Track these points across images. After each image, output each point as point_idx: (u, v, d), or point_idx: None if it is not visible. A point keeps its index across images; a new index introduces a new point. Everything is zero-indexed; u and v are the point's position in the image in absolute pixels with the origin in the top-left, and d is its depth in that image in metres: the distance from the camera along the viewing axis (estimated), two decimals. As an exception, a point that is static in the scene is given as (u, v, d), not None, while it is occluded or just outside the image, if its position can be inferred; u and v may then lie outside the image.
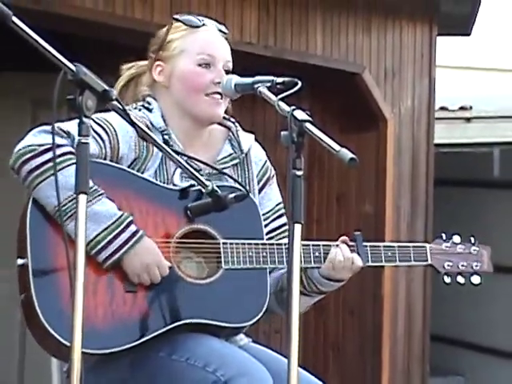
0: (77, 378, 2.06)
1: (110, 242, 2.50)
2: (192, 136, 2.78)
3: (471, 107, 7.46)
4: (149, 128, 2.64)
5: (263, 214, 2.78)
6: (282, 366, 2.50)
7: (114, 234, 2.50)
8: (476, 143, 7.81)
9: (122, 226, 2.51)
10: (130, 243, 2.52)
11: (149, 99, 2.78)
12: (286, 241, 2.78)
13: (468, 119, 7.46)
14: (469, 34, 6.99)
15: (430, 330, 6.53)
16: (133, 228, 2.53)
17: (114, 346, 2.49)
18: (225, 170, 2.77)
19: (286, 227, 2.84)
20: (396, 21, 6.36)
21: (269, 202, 2.85)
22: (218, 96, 2.74)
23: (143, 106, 2.76)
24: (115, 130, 2.62)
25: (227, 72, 2.76)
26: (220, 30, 2.84)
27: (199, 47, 2.76)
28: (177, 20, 2.82)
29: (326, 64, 6.00)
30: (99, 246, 2.50)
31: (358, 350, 6.37)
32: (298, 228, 2.34)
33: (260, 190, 2.85)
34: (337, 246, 2.75)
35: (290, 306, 2.31)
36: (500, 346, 8.46)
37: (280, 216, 2.87)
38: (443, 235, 2.95)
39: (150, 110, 2.73)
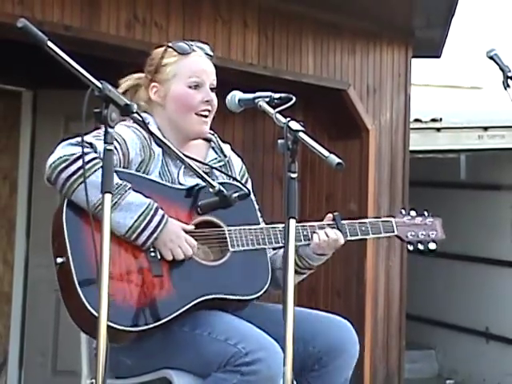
0: (103, 352, 2.06)
1: (146, 226, 2.52)
2: (183, 146, 2.79)
3: (441, 119, 7.45)
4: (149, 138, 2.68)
5: None
6: (277, 312, 2.56)
7: (148, 218, 2.52)
8: (445, 150, 7.81)
9: (152, 211, 2.54)
10: (162, 224, 2.54)
11: (144, 115, 2.78)
12: None
13: (438, 129, 7.45)
14: (439, 56, 6.98)
15: (405, 310, 6.52)
16: (161, 211, 2.56)
17: (150, 323, 2.49)
18: (214, 170, 2.80)
19: (261, 220, 2.89)
20: (377, 45, 6.35)
21: None
22: (206, 113, 2.78)
23: None
24: (124, 140, 2.64)
25: (213, 89, 2.80)
26: (207, 54, 2.85)
27: (189, 72, 2.78)
28: (170, 47, 2.82)
29: (316, 82, 5.99)
30: (138, 231, 2.51)
31: (344, 327, 6.36)
32: (292, 222, 2.34)
33: None
34: (321, 226, 2.80)
35: (286, 287, 2.31)
36: (463, 324, 8.47)
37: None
38: (402, 211, 3.00)
39: None
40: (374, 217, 5.87)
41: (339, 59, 6.10)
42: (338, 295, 6.39)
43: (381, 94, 6.38)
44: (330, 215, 2.84)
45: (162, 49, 2.83)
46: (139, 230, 2.51)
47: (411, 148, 6.63)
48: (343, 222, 2.84)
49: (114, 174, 2.31)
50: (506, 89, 3.04)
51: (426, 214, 3.04)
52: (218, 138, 2.94)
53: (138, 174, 2.65)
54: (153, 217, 2.53)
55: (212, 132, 2.91)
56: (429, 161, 7.98)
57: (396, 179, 6.45)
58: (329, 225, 2.81)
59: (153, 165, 2.69)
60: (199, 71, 2.78)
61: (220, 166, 2.85)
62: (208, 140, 2.91)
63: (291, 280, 2.32)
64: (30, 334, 6.20)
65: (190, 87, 2.77)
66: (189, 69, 2.78)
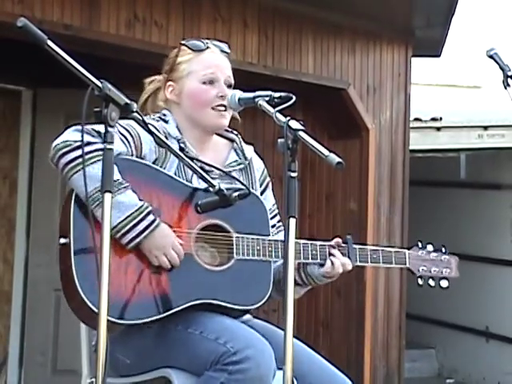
0: (103, 350, 2.06)
1: (131, 229, 2.49)
2: (203, 143, 2.79)
3: (441, 118, 7.45)
4: (166, 137, 2.64)
5: None
6: (279, 337, 2.51)
7: (134, 221, 2.49)
8: (445, 149, 7.81)
9: (141, 216, 2.50)
10: (149, 230, 2.51)
11: (164, 111, 2.79)
12: (281, 234, 2.83)
13: (438, 128, 7.45)
14: (439, 56, 6.99)
15: (405, 309, 6.52)
16: (151, 217, 2.52)
17: (141, 318, 2.49)
18: (232, 173, 2.78)
19: (280, 224, 2.88)
20: (377, 44, 6.35)
21: (267, 203, 2.85)
22: (222, 108, 2.75)
23: (160, 117, 2.76)
24: (138, 133, 2.62)
25: (229, 85, 2.78)
26: (222, 51, 2.83)
27: (203, 68, 2.77)
28: (184, 45, 2.82)
29: (316, 81, 5.99)
30: (122, 231, 2.49)
31: (344, 326, 6.37)
32: (292, 222, 2.34)
33: (261, 193, 2.87)
34: (331, 246, 2.78)
35: (286, 287, 2.31)
36: (463, 323, 8.48)
37: (275, 215, 2.89)
38: (419, 244, 2.96)
39: (166, 122, 2.75)
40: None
41: (339, 58, 6.11)
42: (338, 295, 6.39)
43: (381, 94, 6.38)
44: (338, 240, 2.80)
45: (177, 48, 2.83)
46: (123, 231, 2.49)
47: (411, 147, 6.63)
48: (355, 246, 2.81)
49: (117, 166, 2.29)
50: (505, 88, 3.04)
51: (443, 250, 2.99)
52: (242, 139, 2.90)
53: (155, 167, 2.62)
54: (141, 221, 2.49)
55: (236, 133, 2.90)
56: (429, 160, 7.98)
57: (396, 178, 6.46)
58: (339, 248, 2.78)
59: (168, 164, 2.67)
60: (213, 67, 2.77)
61: (240, 169, 2.83)
62: (231, 140, 2.89)
63: (291, 277, 2.31)
64: (30, 334, 6.20)
65: (204, 83, 2.75)
66: (202, 65, 2.77)
